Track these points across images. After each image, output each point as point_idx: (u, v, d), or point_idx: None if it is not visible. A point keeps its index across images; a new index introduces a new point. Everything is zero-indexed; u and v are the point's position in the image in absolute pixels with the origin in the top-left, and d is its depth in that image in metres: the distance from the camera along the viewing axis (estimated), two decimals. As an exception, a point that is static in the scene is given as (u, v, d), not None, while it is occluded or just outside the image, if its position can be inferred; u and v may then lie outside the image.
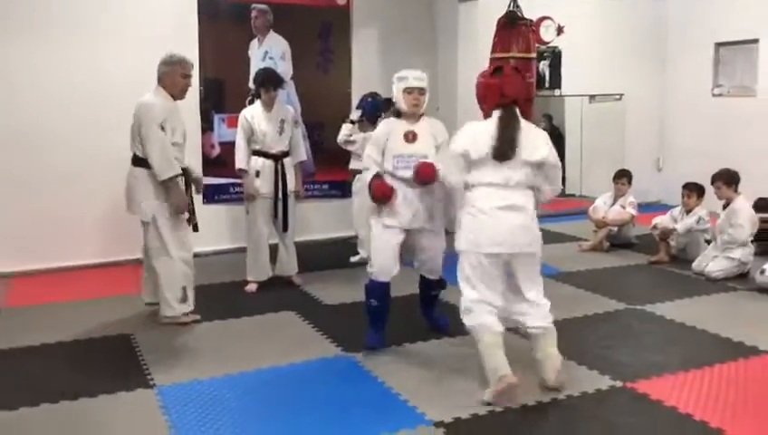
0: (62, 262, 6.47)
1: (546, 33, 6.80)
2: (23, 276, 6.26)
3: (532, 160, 3.67)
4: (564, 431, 3.45)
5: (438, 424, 3.47)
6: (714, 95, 9.22)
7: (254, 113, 5.72)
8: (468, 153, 3.69)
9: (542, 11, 6.55)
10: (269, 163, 5.73)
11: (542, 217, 4.03)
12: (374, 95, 6.69)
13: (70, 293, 5.85)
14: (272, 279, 5.95)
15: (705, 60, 9.23)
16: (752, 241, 6.24)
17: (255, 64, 7.06)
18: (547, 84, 8.58)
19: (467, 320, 3.77)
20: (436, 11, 8.14)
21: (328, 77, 7.62)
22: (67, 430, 3.54)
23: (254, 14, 7.22)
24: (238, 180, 6.09)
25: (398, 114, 4.43)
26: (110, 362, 4.37)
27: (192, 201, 5.03)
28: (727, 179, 6.21)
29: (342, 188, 7.42)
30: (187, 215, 4.91)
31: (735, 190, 6.21)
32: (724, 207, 6.26)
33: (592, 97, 9.69)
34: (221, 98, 7.16)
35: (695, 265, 6.28)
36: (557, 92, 8.81)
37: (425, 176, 4.18)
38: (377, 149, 4.37)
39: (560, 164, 3.80)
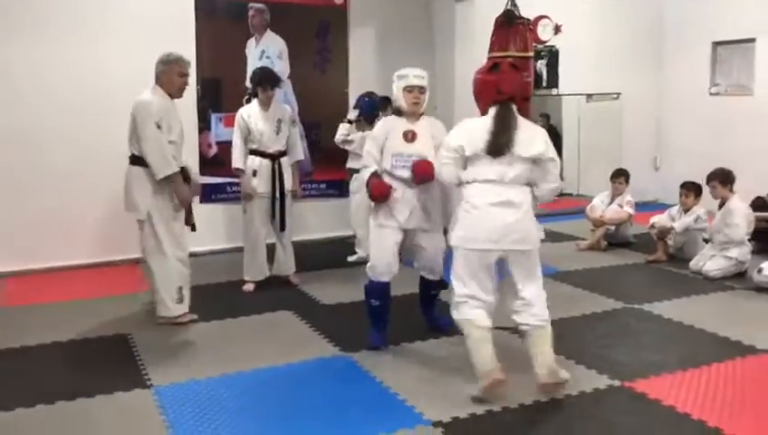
0: (58, 262, 6.45)
1: (543, 32, 6.83)
2: (18, 276, 6.24)
3: (528, 156, 3.63)
4: (562, 431, 3.44)
5: (437, 424, 3.47)
6: (711, 94, 9.22)
7: (251, 112, 5.71)
8: (463, 148, 3.68)
9: (540, 10, 6.57)
10: (266, 162, 5.72)
11: (539, 217, 4.00)
12: (371, 95, 6.71)
13: (66, 293, 5.83)
14: (269, 279, 5.95)
15: (703, 59, 9.23)
16: (749, 239, 6.25)
17: (252, 63, 7.05)
18: (544, 83, 8.57)
19: (456, 315, 3.78)
20: (433, 10, 8.13)
21: (325, 76, 7.61)
22: (64, 430, 3.53)
23: (251, 12, 7.21)
24: (235, 180, 6.08)
25: (399, 113, 4.41)
26: (107, 363, 4.36)
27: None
28: (722, 179, 6.22)
29: (340, 188, 7.42)
30: (182, 213, 4.89)
31: (730, 190, 6.22)
32: (720, 206, 6.26)
33: (589, 96, 9.68)
34: (218, 97, 7.15)
35: (692, 263, 6.28)
36: (554, 92, 8.80)
37: (423, 173, 4.16)
38: (376, 146, 4.36)
39: (557, 159, 3.74)
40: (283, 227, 5.86)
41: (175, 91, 4.85)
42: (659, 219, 6.83)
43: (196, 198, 5.51)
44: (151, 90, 4.80)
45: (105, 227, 6.55)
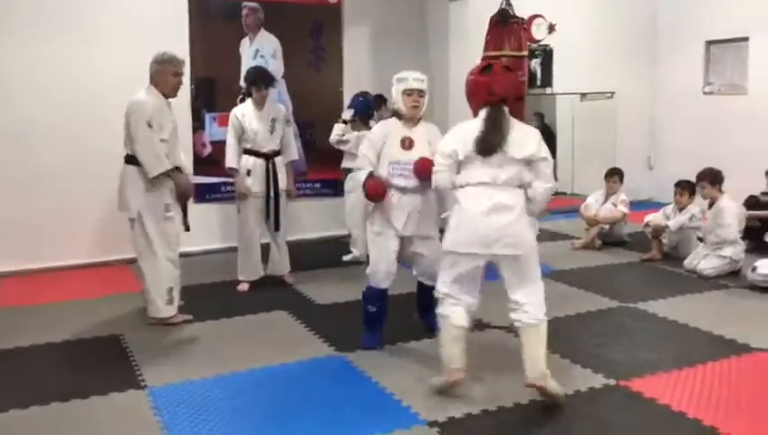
0: (51, 262, 6.43)
1: (538, 31, 6.81)
2: (11, 276, 6.21)
3: (521, 157, 3.59)
4: (558, 430, 3.44)
5: (432, 424, 3.46)
6: (704, 93, 9.25)
7: (244, 112, 5.69)
8: (456, 153, 3.65)
9: (534, 9, 6.56)
10: (260, 162, 5.71)
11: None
12: (365, 94, 6.72)
13: (59, 293, 5.81)
14: (264, 279, 5.93)
15: (696, 58, 9.26)
16: (742, 238, 6.27)
17: (246, 63, 7.04)
18: (538, 82, 8.59)
19: (437, 310, 3.80)
20: (427, 9, 8.13)
21: (319, 75, 7.60)
22: (58, 431, 3.51)
23: (244, 12, 7.19)
24: (230, 179, 6.07)
25: (398, 116, 4.36)
26: (102, 363, 4.33)
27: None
28: (711, 179, 6.23)
29: (335, 187, 7.41)
30: (172, 213, 4.87)
31: (720, 190, 6.23)
32: (710, 206, 6.28)
33: (583, 95, 9.70)
34: (212, 96, 7.14)
35: (686, 262, 6.29)
36: (548, 91, 8.82)
37: (422, 171, 4.14)
38: (373, 150, 4.32)
39: (550, 159, 3.69)
40: (277, 227, 5.85)
41: (169, 91, 4.84)
42: (654, 218, 6.85)
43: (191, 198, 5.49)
44: (146, 89, 4.79)
45: (97, 227, 6.54)
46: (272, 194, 5.74)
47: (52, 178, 6.37)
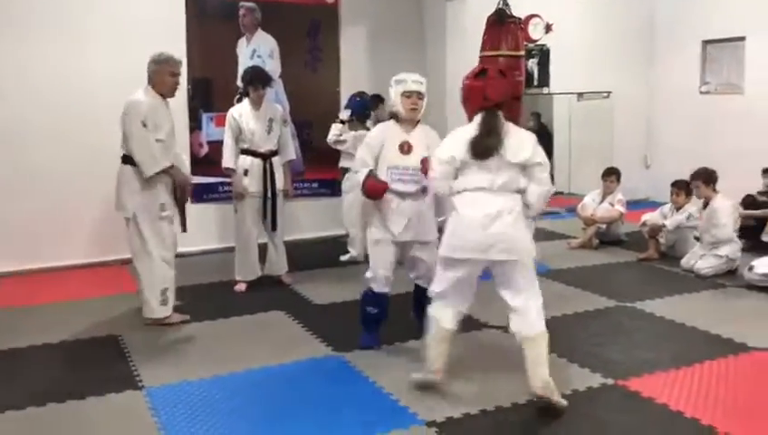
0: (47, 262, 6.41)
1: (535, 31, 6.83)
2: (7, 277, 6.19)
3: (516, 162, 3.58)
4: (556, 430, 3.44)
5: (431, 424, 3.46)
6: (701, 93, 9.26)
7: (242, 112, 5.69)
8: (454, 159, 3.63)
9: (531, 9, 6.57)
10: (257, 162, 5.70)
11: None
12: (361, 94, 6.72)
13: (56, 293, 5.79)
14: (261, 279, 5.93)
15: (693, 57, 9.27)
16: (738, 236, 6.28)
17: (243, 63, 7.03)
18: (535, 82, 8.57)
19: (428, 309, 3.82)
20: (424, 9, 8.13)
21: (316, 75, 7.59)
22: (55, 432, 3.50)
23: (241, 12, 7.18)
24: (227, 179, 6.06)
25: (395, 118, 4.33)
26: (99, 364, 4.32)
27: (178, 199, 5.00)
28: (705, 178, 6.24)
29: (332, 187, 7.40)
30: (167, 213, 4.87)
31: (714, 189, 6.23)
32: (704, 206, 6.28)
33: (580, 95, 9.70)
34: (209, 97, 7.13)
35: (683, 262, 6.30)
36: (545, 90, 8.80)
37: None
38: (370, 153, 4.29)
39: (547, 162, 3.68)
40: (274, 227, 5.84)
41: (167, 91, 4.84)
42: (651, 217, 6.85)
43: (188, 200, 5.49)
44: (144, 90, 4.79)
45: (94, 227, 6.52)
46: (269, 194, 5.73)
47: (46, 178, 6.35)
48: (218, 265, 6.37)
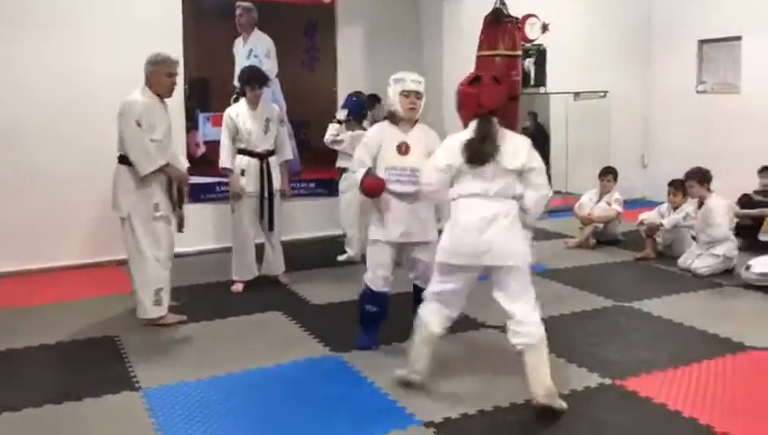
0: (43, 263, 6.40)
1: (531, 30, 6.81)
2: (6, 277, 6.17)
3: (512, 168, 3.57)
4: (554, 430, 3.44)
5: (428, 424, 3.46)
6: (698, 92, 9.27)
7: (238, 111, 5.67)
8: (450, 166, 3.62)
9: (528, 8, 6.56)
10: (254, 162, 5.69)
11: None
12: (358, 94, 6.72)
13: (52, 294, 5.77)
14: (258, 279, 5.91)
15: (689, 57, 9.28)
16: (735, 235, 6.28)
17: (240, 62, 7.01)
18: (532, 82, 8.57)
19: (419, 309, 3.83)
20: (420, 8, 8.13)
21: (313, 75, 7.58)
22: (52, 434, 3.49)
23: (238, 11, 7.17)
24: (224, 179, 6.05)
25: (393, 117, 4.30)
26: (95, 365, 4.31)
27: (174, 200, 4.99)
28: (700, 178, 6.24)
29: (329, 187, 7.39)
30: (161, 212, 4.85)
31: (708, 189, 6.24)
32: (699, 205, 6.28)
33: (577, 94, 9.69)
34: (206, 96, 7.11)
35: (680, 261, 6.31)
36: (542, 90, 8.81)
37: None
38: (368, 153, 4.27)
39: (543, 167, 3.66)
40: (271, 227, 5.83)
41: (164, 92, 4.84)
42: (648, 216, 6.86)
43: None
44: (141, 90, 4.79)
45: (93, 228, 6.50)
46: (266, 194, 5.72)
47: (43, 178, 6.33)
48: (215, 266, 6.36)
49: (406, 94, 4.20)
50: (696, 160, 6.51)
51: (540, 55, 8.51)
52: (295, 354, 4.39)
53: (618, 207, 7.30)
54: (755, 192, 7.06)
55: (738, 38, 8.64)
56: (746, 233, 6.74)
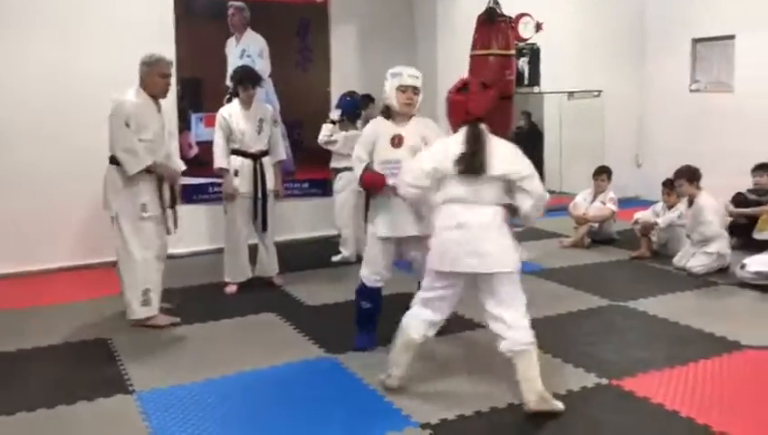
0: (34, 265, 6.35)
1: (525, 29, 6.83)
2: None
3: (499, 175, 3.53)
4: (551, 430, 3.42)
5: (425, 426, 3.43)
6: (691, 91, 9.28)
7: (231, 112, 5.64)
8: (437, 170, 3.59)
9: (521, 8, 6.56)
10: (248, 162, 5.66)
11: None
12: (352, 94, 6.70)
13: (44, 296, 5.73)
14: (252, 280, 5.88)
15: (683, 56, 9.29)
16: (730, 234, 6.28)
17: (233, 62, 6.95)
18: (526, 81, 8.57)
19: (407, 312, 3.81)
20: (414, 7, 8.11)
21: (307, 75, 7.53)
22: (44, 438, 3.46)
23: (230, 11, 7.11)
24: (217, 180, 6.01)
25: (388, 112, 4.25)
26: (88, 368, 4.27)
27: (165, 200, 4.95)
28: (689, 176, 6.24)
29: (323, 187, 7.34)
30: (149, 213, 4.82)
31: (698, 187, 6.23)
32: (689, 204, 6.28)
33: (571, 94, 9.69)
34: (198, 97, 7.05)
35: (675, 260, 6.30)
36: (536, 89, 8.81)
37: None
38: (365, 150, 4.24)
39: (534, 172, 3.59)
40: (265, 228, 5.80)
41: (158, 92, 4.83)
42: (643, 215, 6.86)
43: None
44: (135, 91, 4.78)
45: (83, 229, 6.47)
46: (259, 194, 5.69)
47: (34, 179, 6.29)
48: (208, 267, 6.32)
49: (403, 89, 4.15)
50: (690, 159, 6.50)
51: (533, 54, 8.51)
52: (290, 356, 4.36)
53: (612, 207, 7.29)
54: (749, 191, 7.05)
55: (732, 37, 8.66)
56: (741, 232, 6.74)
